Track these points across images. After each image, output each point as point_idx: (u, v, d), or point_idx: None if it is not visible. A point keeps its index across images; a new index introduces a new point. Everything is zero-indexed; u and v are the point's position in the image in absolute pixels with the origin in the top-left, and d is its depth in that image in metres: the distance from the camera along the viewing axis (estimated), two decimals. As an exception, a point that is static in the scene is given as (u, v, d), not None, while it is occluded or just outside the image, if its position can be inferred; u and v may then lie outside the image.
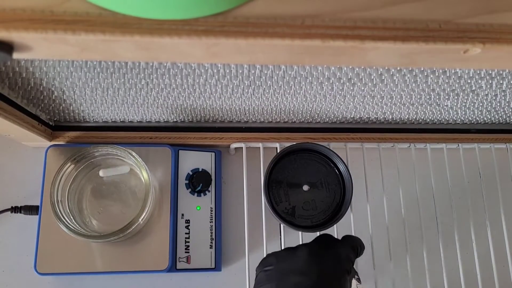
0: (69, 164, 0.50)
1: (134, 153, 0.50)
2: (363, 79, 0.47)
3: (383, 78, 0.47)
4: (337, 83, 0.48)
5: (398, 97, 0.52)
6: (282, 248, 0.55)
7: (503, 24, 0.25)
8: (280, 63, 0.28)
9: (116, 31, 0.23)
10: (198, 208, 0.56)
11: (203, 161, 0.58)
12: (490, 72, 0.47)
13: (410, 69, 0.46)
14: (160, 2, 0.22)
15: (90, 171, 0.53)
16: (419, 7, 0.25)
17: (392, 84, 0.49)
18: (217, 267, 0.55)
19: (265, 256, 0.42)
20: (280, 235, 0.56)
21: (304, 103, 0.54)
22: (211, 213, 0.56)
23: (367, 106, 0.55)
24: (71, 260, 0.51)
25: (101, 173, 0.52)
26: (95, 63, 0.43)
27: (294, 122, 0.61)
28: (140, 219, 0.48)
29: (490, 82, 0.49)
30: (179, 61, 0.42)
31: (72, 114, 0.55)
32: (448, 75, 0.47)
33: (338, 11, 0.24)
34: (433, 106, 0.56)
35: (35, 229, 0.51)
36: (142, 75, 0.45)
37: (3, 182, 0.59)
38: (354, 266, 0.43)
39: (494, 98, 0.54)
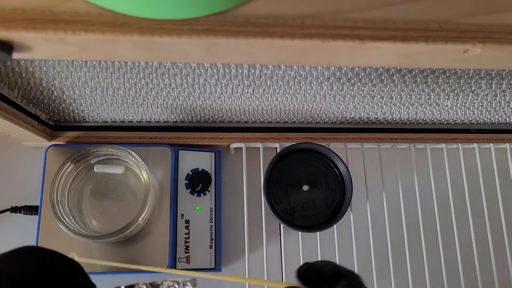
0: (68, 164, 0.50)
1: (134, 153, 0.50)
2: (363, 79, 0.47)
3: (383, 78, 0.47)
4: (337, 83, 0.48)
5: (398, 97, 0.52)
6: (282, 248, 0.55)
7: (503, 24, 0.25)
8: (280, 63, 0.28)
9: (116, 31, 0.23)
10: (198, 208, 0.56)
11: (203, 161, 0.58)
12: (490, 72, 0.47)
13: (410, 69, 0.46)
14: (160, 2, 0.22)
15: (89, 171, 0.53)
16: (419, 7, 0.25)
17: (392, 84, 0.49)
18: (217, 267, 0.55)
19: None
20: (280, 235, 0.56)
21: (304, 103, 0.54)
22: (211, 213, 0.56)
23: (367, 106, 0.55)
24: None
25: (95, 168, 0.52)
26: (95, 63, 0.43)
27: (294, 122, 0.61)
28: (140, 219, 0.48)
29: (490, 82, 0.49)
30: (179, 61, 0.42)
31: (72, 114, 0.55)
32: (447, 75, 0.47)
33: (338, 11, 0.24)
34: (433, 106, 0.56)
35: (35, 229, 0.51)
36: (142, 74, 0.45)
37: (3, 182, 0.59)
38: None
39: (494, 98, 0.54)
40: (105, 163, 0.53)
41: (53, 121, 0.57)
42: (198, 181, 0.56)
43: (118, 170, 0.53)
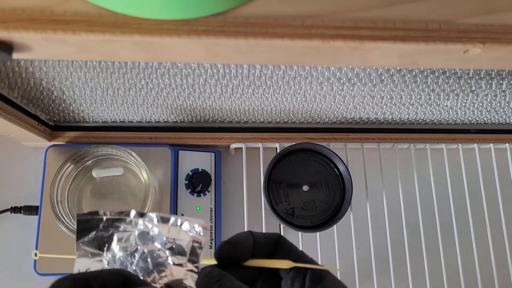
0: (68, 164, 0.50)
1: (134, 153, 0.50)
2: (363, 79, 0.47)
3: (383, 78, 0.47)
4: (337, 83, 0.48)
5: (398, 97, 0.52)
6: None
7: (503, 24, 0.25)
8: (280, 63, 0.28)
9: (116, 31, 0.23)
10: (198, 208, 0.56)
11: (203, 161, 0.58)
12: (490, 72, 0.47)
13: (410, 69, 0.46)
14: (160, 2, 0.22)
15: (89, 171, 0.53)
16: (419, 7, 0.25)
17: (392, 85, 0.49)
18: (217, 267, 0.55)
19: None
20: (280, 235, 0.56)
21: (304, 103, 0.54)
22: (210, 213, 0.56)
23: (367, 106, 0.55)
24: (71, 260, 0.51)
25: (94, 173, 0.52)
26: (94, 63, 0.43)
27: (294, 122, 0.61)
28: (140, 219, 0.48)
29: (490, 82, 0.49)
30: (179, 61, 0.42)
31: (71, 114, 0.55)
32: (447, 75, 0.47)
33: (338, 11, 0.24)
34: (433, 106, 0.56)
35: (35, 229, 0.51)
36: (142, 75, 0.45)
37: (3, 182, 0.59)
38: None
39: (494, 98, 0.54)
40: (104, 164, 0.53)
41: (53, 121, 0.57)
42: (198, 181, 0.56)
43: (116, 172, 0.53)
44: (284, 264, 0.25)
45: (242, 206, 0.55)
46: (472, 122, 0.63)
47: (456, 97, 0.53)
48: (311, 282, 0.24)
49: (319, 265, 0.25)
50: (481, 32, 0.25)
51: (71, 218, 0.50)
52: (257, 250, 0.26)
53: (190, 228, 0.26)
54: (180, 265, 0.25)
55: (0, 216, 0.56)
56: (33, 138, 0.54)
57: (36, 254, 0.33)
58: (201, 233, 0.26)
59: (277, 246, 0.27)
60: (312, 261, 0.26)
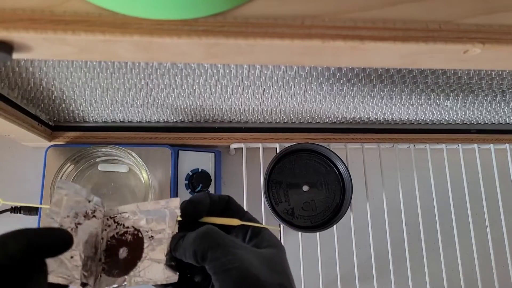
0: (68, 164, 0.50)
1: (134, 154, 0.50)
2: (363, 79, 0.47)
3: (382, 78, 0.47)
4: (337, 84, 0.48)
5: (398, 97, 0.52)
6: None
7: (503, 24, 0.25)
8: (280, 63, 0.28)
9: (116, 31, 0.23)
10: (198, 208, 0.56)
11: (203, 161, 0.58)
12: (490, 72, 0.47)
13: (410, 69, 0.46)
14: (160, 2, 0.22)
15: (89, 172, 0.53)
16: (419, 7, 0.25)
17: (391, 85, 0.49)
18: (217, 268, 0.55)
19: None
20: (280, 236, 0.56)
21: (304, 103, 0.54)
22: (211, 213, 0.56)
23: (367, 107, 0.55)
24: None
25: (99, 167, 0.52)
26: (94, 63, 0.43)
27: (294, 122, 0.61)
28: (140, 219, 0.48)
29: (490, 82, 0.49)
30: (179, 61, 0.42)
31: (71, 114, 0.55)
32: (447, 75, 0.47)
33: (338, 11, 0.24)
34: (433, 106, 0.56)
35: (35, 229, 0.51)
36: (142, 75, 0.45)
37: (3, 182, 0.59)
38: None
39: (494, 98, 0.54)
40: (106, 163, 0.53)
41: (53, 121, 0.57)
42: (198, 181, 0.56)
43: (122, 168, 0.53)
44: (233, 222, 0.30)
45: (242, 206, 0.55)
46: (472, 122, 0.63)
47: (456, 97, 0.53)
48: (252, 234, 0.30)
49: (261, 224, 0.31)
50: (481, 32, 0.25)
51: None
52: (212, 209, 0.31)
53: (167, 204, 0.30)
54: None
55: (0, 216, 0.56)
56: (33, 138, 0.54)
57: None
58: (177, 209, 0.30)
59: (227, 206, 0.32)
60: (255, 220, 0.31)
